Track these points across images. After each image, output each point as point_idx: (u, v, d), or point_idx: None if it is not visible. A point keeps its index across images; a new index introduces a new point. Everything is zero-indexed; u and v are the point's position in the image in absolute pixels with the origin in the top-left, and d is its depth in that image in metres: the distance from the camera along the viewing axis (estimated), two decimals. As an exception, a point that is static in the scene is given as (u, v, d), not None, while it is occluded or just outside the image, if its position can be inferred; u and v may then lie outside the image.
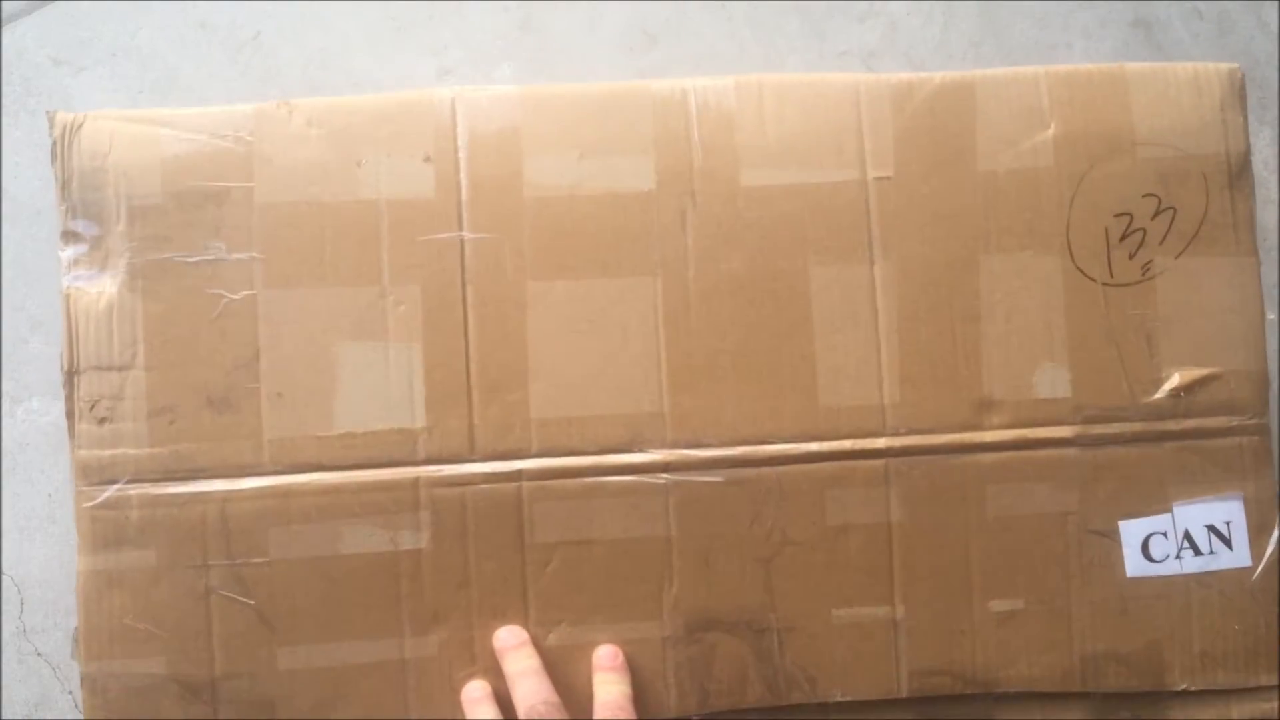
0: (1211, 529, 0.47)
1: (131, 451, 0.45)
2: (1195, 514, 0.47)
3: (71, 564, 0.46)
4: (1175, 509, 0.47)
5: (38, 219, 0.78)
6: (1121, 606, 0.47)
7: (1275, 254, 0.77)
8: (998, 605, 0.47)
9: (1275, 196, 0.84)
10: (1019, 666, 0.46)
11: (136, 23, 0.82)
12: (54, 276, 0.48)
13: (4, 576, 0.71)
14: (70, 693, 0.69)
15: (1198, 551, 0.47)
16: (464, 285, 0.47)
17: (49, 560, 0.72)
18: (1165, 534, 0.47)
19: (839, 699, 0.46)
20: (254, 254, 0.46)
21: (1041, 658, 0.46)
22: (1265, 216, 0.79)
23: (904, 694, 0.46)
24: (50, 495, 0.72)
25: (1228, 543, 0.47)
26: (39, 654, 0.70)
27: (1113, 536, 0.47)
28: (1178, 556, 0.47)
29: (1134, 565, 0.47)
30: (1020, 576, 0.47)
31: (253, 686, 0.44)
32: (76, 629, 0.44)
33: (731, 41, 0.84)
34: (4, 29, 0.84)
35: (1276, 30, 0.83)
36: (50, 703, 0.70)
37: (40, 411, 0.74)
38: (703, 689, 0.46)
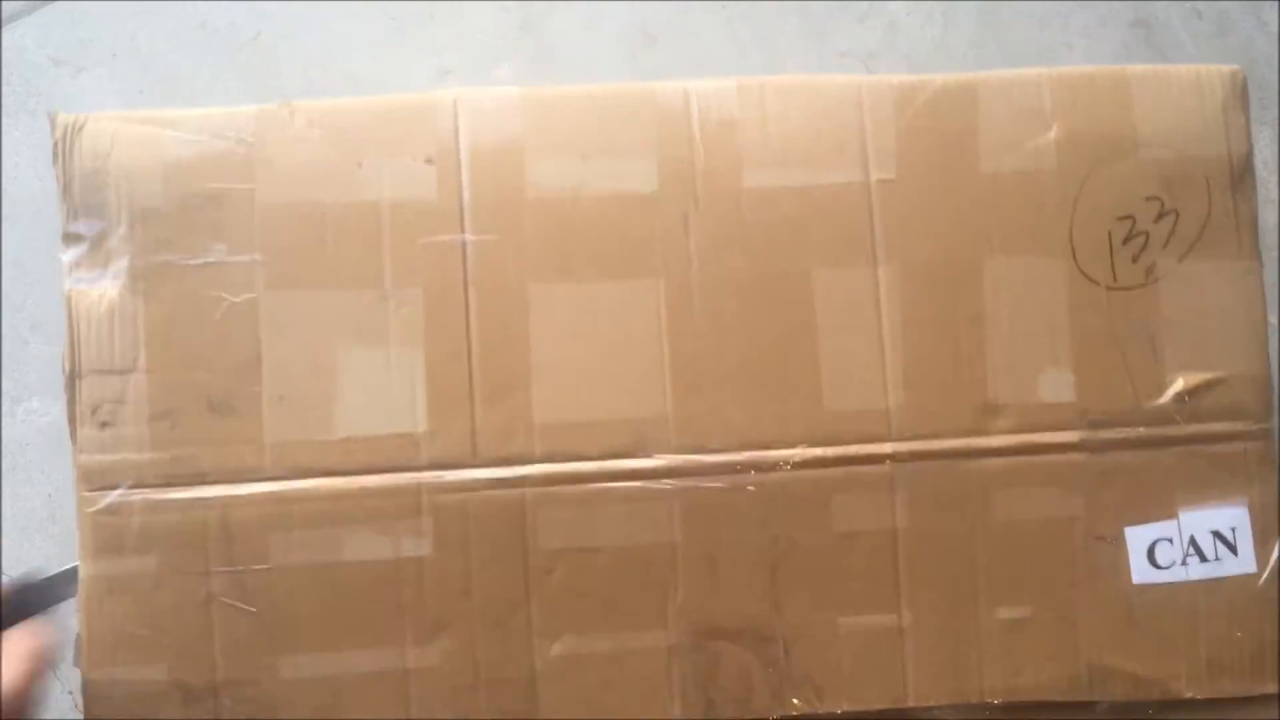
0: (1217, 535, 0.47)
1: (133, 456, 0.45)
2: (1201, 520, 0.47)
3: (72, 564, 0.45)
4: (1181, 515, 0.47)
5: (38, 219, 0.77)
6: (1128, 614, 0.47)
7: (1276, 254, 0.77)
8: (1005, 613, 0.46)
9: (1275, 196, 0.84)
10: (1026, 675, 0.46)
11: (136, 23, 0.82)
12: (54, 277, 0.48)
13: (4, 577, 0.71)
14: (70, 692, 0.69)
15: (1204, 558, 0.47)
16: (466, 288, 0.47)
17: (49, 560, 0.72)
18: (1171, 540, 0.47)
19: (845, 709, 0.45)
20: (255, 256, 0.46)
21: (1048, 666, 0.46)
22: (1265, 217, 0.79)
23: (911, 704, 0.46)
24: (50, 495, 0.72)
25: (1233, 549, 0.47)
26: (38, 656, 0.70)
27: (1118, 543, 0.47)
28: (1184, 563, 0.47)
29: (1140, 572, 0.47)
30: (1027, 583, 0.47)
31: (254, 694, 0.44)
32: (78, 636, 0.44)
33: (731, 42, 0.84)
34: (4, 29, 0.83)
35: (1276, 30, 0.83)
36: (50, 703, 0.69)
37: (40, 411, 0.73)
38: (708, 698, 0.45)
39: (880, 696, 0.46)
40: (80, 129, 0.46)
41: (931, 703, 0.46)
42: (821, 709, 0.45)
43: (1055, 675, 0.46)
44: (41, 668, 0.37)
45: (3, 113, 0.85)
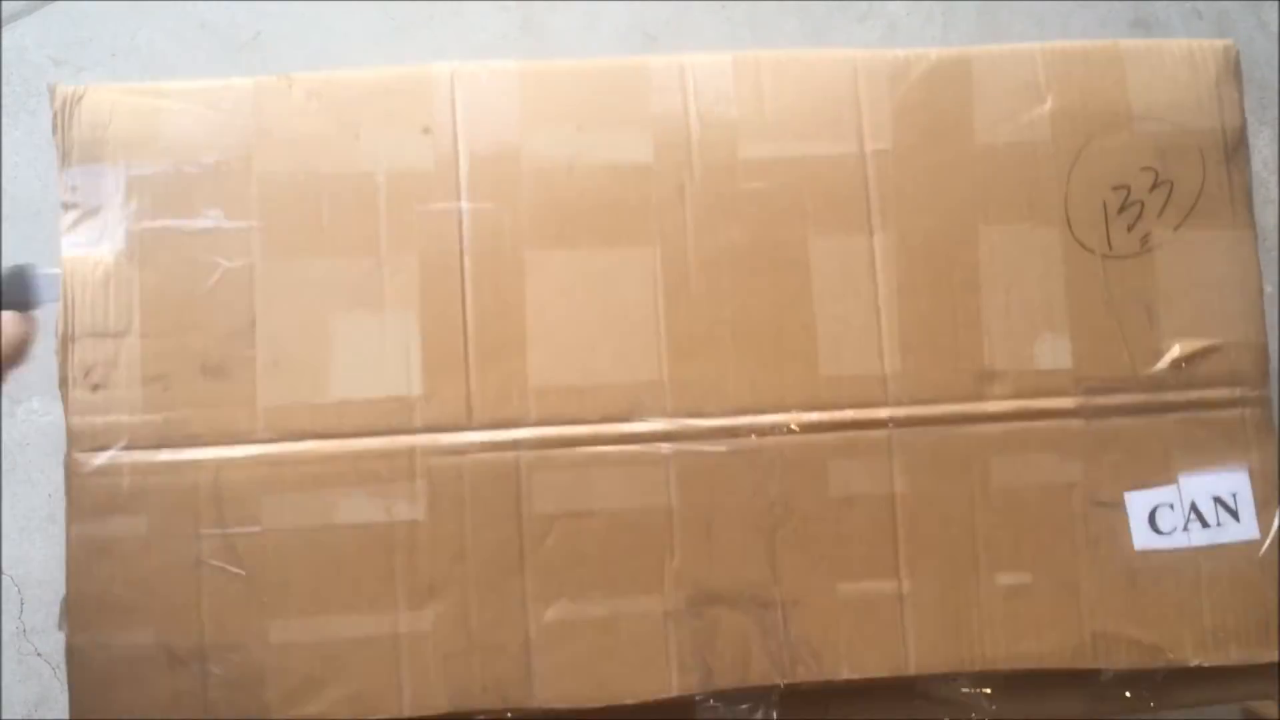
0: (1218, 500, 0.46)
1: (125, 418, 0.44)
2: (1201, 485, 0.47)
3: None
4: (1181, 480, 0.47)
5: (38, 219, 0.78)
6: (1130, 580, 0.46)
7: (1275, 254, 0.77)
8: (1005, 579, 0.46)
9: (1275, 196, 0.84)
10: (1028, 642, 0.45)
11: (136, 23, 0.83)
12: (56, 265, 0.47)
13: (4, 576, 0.70)
14: (40, 654, 0.68)
15: (1205, 524, 0.46)
16: (462, 255, 0.47)
17: (49, 560, 0.71)
18: (1172, 506, 0.46)
19: (846, 676, 0.45)
20: (252, 223, 0.46)
21: (1050, 633, 0.46)
22: (1265, 217, 0.79)
23: (913, 671, 0.45)
24: (50, 495, 0.71)
25: (1235, 515, 0.46)
26: (39, 654, 0.69)
27: (1119, 508, 0.47)
28: (1185, 529, 0.46)
29: (1141, 538, 0.46)
30: (1026, 549, 0.46)
31: (243, 658, 0.43)
32: (64, 599, 0.43)
33: (731, 42, 0.85)
34: (4, 29, 0.84)
35: (1276, 30, 0.84)
36: (50, 703, 0.68)
37: (40, 411, 0.73)
38: (705, 665, 0.45)
39: (881, 663, 0.45)
40: (79, 100, 0.47)
41: (933, 670, 0.45)
42: (821, 676, 0.45)
43: (1058, 643, 0.46)
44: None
45: (3, 113, 0.86)
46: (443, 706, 0.44)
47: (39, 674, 0.71)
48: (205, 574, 0.44)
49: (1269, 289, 0.51)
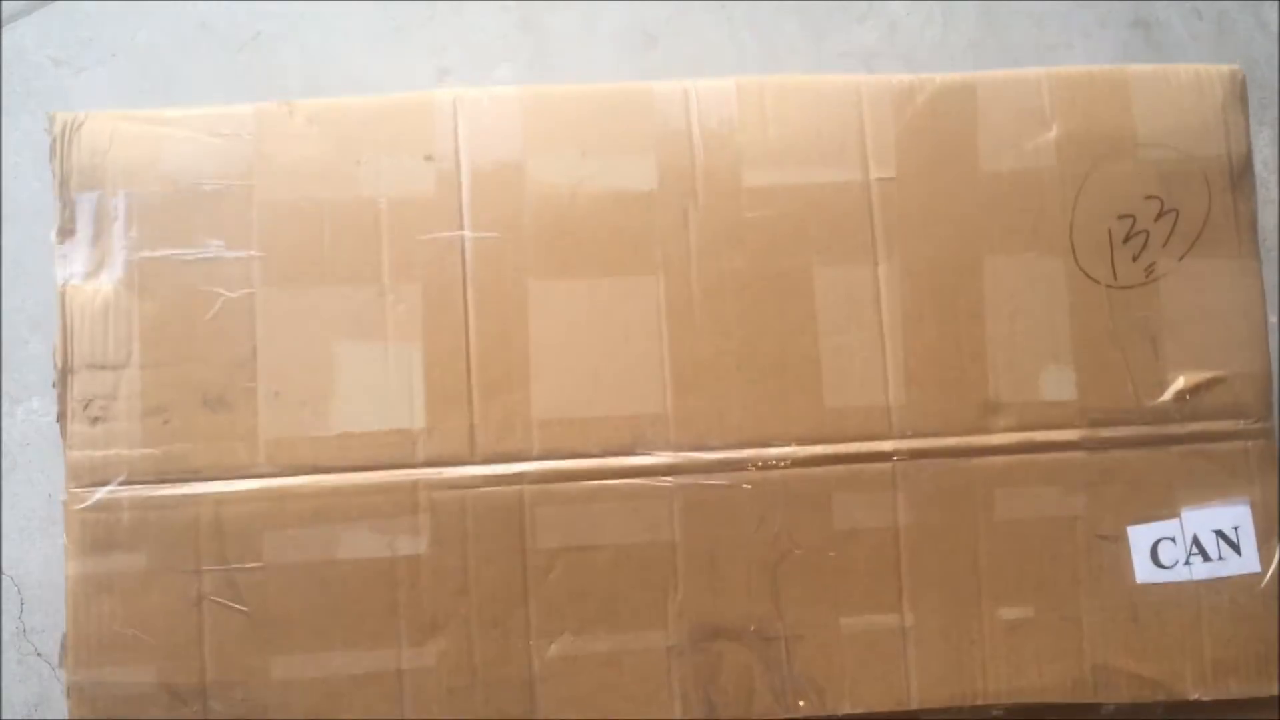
0: (1220, 534, 0.47)
1: (125, 452, 0.44)
2: (1203, 519, 0.47)
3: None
4: (1184, 514, 0.47)
5: (38, 219, 0.77)
6: (1132, 614, 0.46)
7: (1275, 255, 0.77)
8: (1007, 613, 0.46)
9: (1275, 196, 0.84)
10: (1029, 676, 0.46)
11: (136, 23, 0.82)
12: (54, 277, 0.47)
13: (4, 576, 0.70)
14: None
15: (1206, 557, 0.47)
16: (465, 284, 0.46)
17: (49, 560, 0.71)
18: (1174, 539, 0.47)
19: (848, 711, 0.45)
20: (252, 252, 0.46)
21: (1052, 667, 0.46)
22: (1265, 217, 0.79)
23: (915, 706, 0.45)
24: (50, 495, 0.71)
25: (1236, 548, 0.47)
26: (39, 654, 0.69)
27: (1121, 542, 0.47)
28: (1187, 563, 0.46)
29: (1144, 572, 0.47)
30: (1029, 583, 0.46)
31: (245, 695, 0.43)
32: (64, 636, 0.43)
33: (731, 42, 0.84)
34: (4, 29, 0.83)
35: (1276, 30, 0.83)
36: (50, 703, 0.68)
37: (40, 412, 0.73)
38: (708, 700, 0.45)
39: (883, 698, 0.45)
40: (79, 127, 0.46)
41: (935, 705, 0.45)
42: (824, 711, 0.45)
43: (1059, 677, 0.46)
44: None
45: (3, 113, 0.85)
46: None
47: (39, 674, 0.72)
48: (207, 610, 0.43)
49: (1273, 319, 0.51)
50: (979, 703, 0.45)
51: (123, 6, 0.86)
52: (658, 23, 0.89)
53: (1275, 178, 0.86)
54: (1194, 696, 0.46)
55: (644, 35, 0.92)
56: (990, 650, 0.46)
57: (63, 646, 0.43)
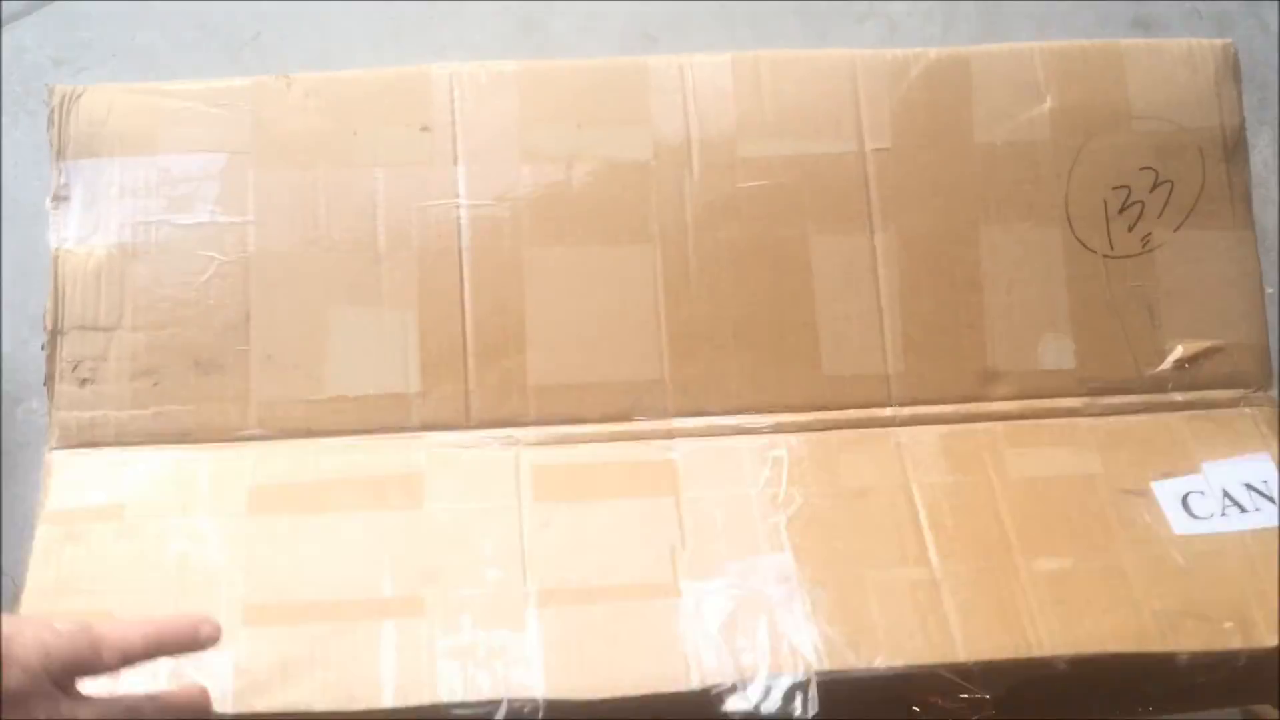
0: (1250, 487, 0.44)
1: (113, 413, 0.43)
2: (1228, 472, 0.45)
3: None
4: (1205, 468, 0.45)
5: (38, 219, 0.77)
6: (1179, 563, 0.43)
7: (1275, 255, 0.77)
8: (1044, 564, 0.42)
9: (1275, 196, 0.84)
10: (1085, 626, 0.41)
11: (136, 23, 0.83)
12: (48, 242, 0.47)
13: (4, 577, 0.69)
14: None
15: (1243, 509, 0.44)
16: (460, 252, 0.46)
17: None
18: (1203, 493, 0.44)
19: (885, 664, 0.40)
20: (248, 218, 0.46)
21: (1107, 617, 0.41)
22: (1265, 217, 0.79)
23: (963, 658, 0.40)
24: (46, 495, 0.70)
25: (1271, 499, 0.44)
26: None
27: (1148, 496, 0.44)
28: (1224, 514, 0.44)
29: (1180, 523, 0.44)
30: (1060, 535, 0.43)
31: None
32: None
33: (731, 42, 0.84)
34: (4, 29, 0.84)
35: (1276, 30, 0.84)
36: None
37: (40, 412, 0.72)
38: (731, 658, 0.39)
39: (925, 651, 0.40)
40: (78, 98, 0.46)
41: (985, 657, 0.40)
42: (857, 665, 0.40)
43: (1119, 626, 0.41)
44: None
45: (3, 113, 0.86)
46: (438, 698, 0.39)
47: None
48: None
49: (1269, 290, 0.51)
50: (1035, 654, 0.40)
51: (123, 6, 0.87)
52: (658, 23, 0.90)
53: (1275, 178, 0.86)
54: (1271, 644, 0.41)
55: (644, 35, 0.93)
56: (1035, 600, 0.41)
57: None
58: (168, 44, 0.88)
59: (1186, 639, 0.41)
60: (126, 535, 0.41)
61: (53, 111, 0.46)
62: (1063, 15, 0.85)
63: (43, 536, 0.42)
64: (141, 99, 0.47)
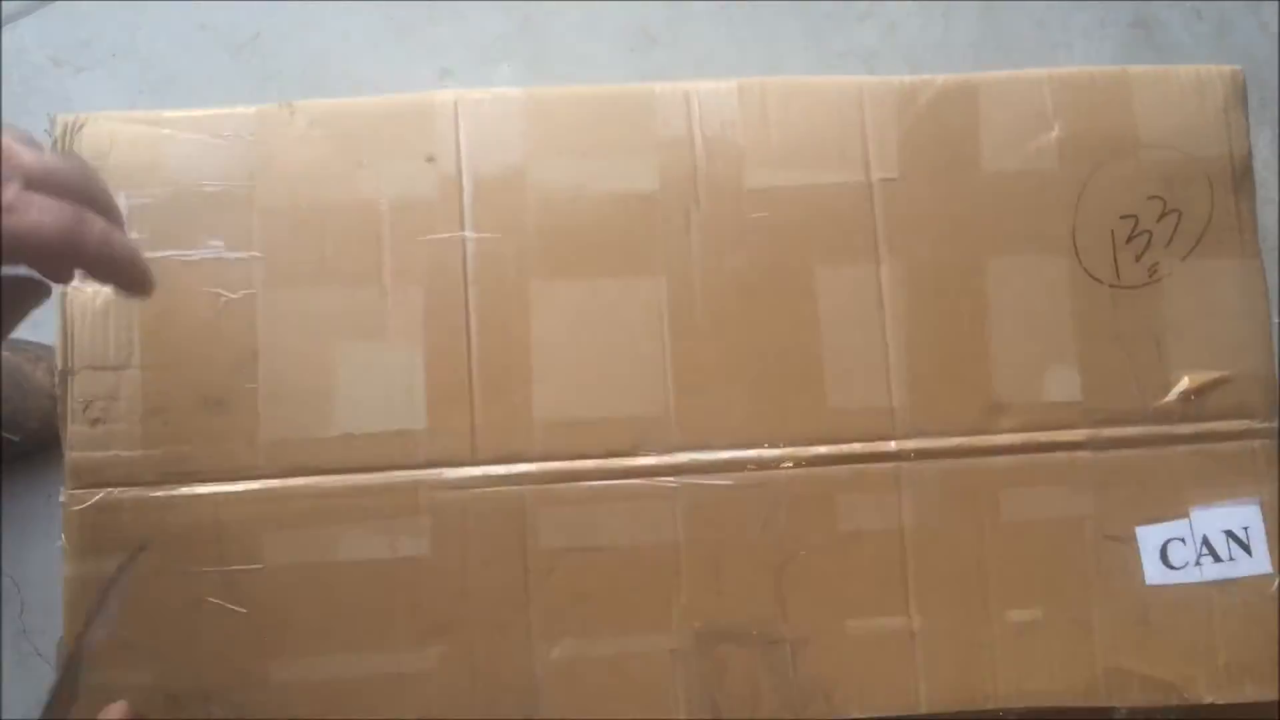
0: (1230, 535, 0.46)
1: (124, 453, 0.44)
2: (1213, 519, 0.47)
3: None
4: (1193, 514, 0.47)
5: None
6: (1143, 616, 0.46)
7: (1276, 254, 0.77)
8: (1016, 615, 0.45)
9: (1275, 196, 0.84)
10: (1040, 680, 0.45)
11: (136, 23, 0.82)
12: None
13: (4, 577, 0.70)
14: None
15: (1217, 558, 0.46)
16: (466, 286, 0.46)
17: (49, 561, 0.71)
18: (1184, 540, 0.46)
19: (857, 715, 0.44)
20: (254, 253, 0.46)
21: (1063, 670, 0.45)
22: (1265, 216, 0.79)
23: (924, 710, 0.44)
24: (50, 496, 0.71)
25: (1247, 549, 0.46)
26: (39, 654, 0.69)
27: (1130, 543, 0.46)
28: (1197, 563, 0.46)
29: (1153, 573, 0.46)
30: (1037, 585, 0.46)
31: (244, 700, 0.43)
32: (60, 639, 0.43)
33: (731, 42, 0.83)
34: (4, 29, 0.83)
35: (1276, 31, 0.83)
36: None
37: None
38: (714, 703, 0.44)
39: (891, 702, 0.44)
40: (80, 129, 0.46)
41: (944, 709, 0.44)
42: (831, 715, 0.44)
43: (1071, 680, 0.45)
44: None
45: (2, 113, 0.85)
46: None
47: (39, 674, 0.71)
48: (205, 613, 0.43)
49: (1277, 319, 0.51)
50: (989, 707, 0.45)
51: (123, 6, 0.86)
52: (658, 23, 0.89)
53: (1275, 178, 0.86)
54: (1208, 700, 0.45)
55: (644, 36, 0.92)
56: (1000, 653, 0.45)
57: (57, 648, 0.43)
58: (168, 43, 0.86)
59: (1127, 695, 0.45)
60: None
61: (54, 143, 0.46)
62: (1062, 15, 0.84)
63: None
64: (143, 130, 0.46)
